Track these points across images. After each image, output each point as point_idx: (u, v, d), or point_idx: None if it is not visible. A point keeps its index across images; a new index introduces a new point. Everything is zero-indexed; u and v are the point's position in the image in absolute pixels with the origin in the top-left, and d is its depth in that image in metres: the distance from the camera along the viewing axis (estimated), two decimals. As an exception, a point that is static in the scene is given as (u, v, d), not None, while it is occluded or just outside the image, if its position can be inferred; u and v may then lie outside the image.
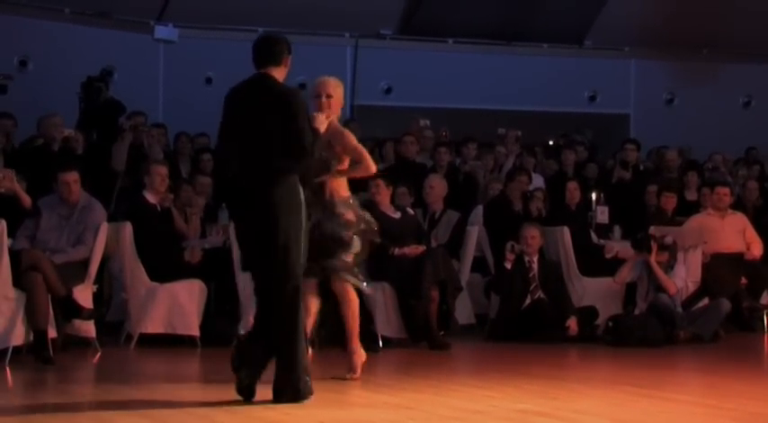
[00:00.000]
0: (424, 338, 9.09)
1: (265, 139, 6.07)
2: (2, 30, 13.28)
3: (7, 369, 7.79)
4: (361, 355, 7.15)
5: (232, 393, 6.27)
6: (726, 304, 9.94)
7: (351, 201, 7.11)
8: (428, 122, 13.43)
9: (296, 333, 6.04)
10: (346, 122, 13.41)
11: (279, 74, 6.28)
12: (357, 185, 11.02)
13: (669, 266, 9.90)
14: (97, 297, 8.84)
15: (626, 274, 9.97)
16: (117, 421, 5.46)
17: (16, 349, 8.09)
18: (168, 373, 6.09)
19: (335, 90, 7.02)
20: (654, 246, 9.84)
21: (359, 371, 7.07)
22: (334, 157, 6.95)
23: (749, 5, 15.85)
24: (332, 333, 9.14)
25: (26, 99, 12.01)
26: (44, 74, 13.27)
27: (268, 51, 6.30)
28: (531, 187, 11.14)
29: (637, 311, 9.84)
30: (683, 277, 10.04)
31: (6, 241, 8.12)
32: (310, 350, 6.76)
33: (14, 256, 8.21)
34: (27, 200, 8.47)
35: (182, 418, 5.64)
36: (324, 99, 6.93)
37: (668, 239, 9.95)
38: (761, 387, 7.15)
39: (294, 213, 6.06)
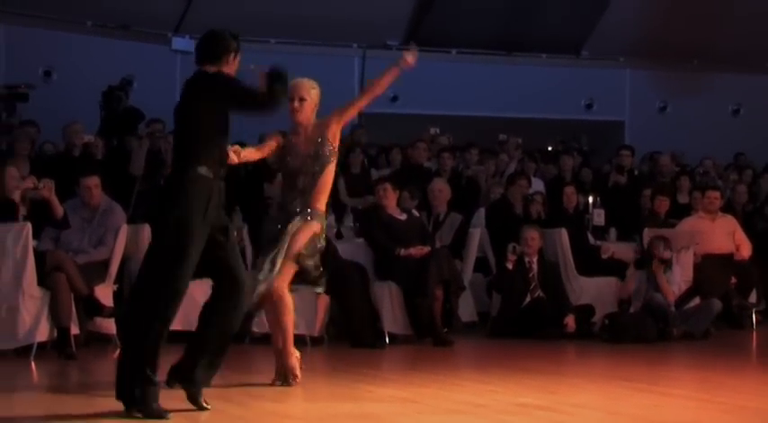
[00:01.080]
0: (429, 335, 9.09)
1: (188, 134, 5.61)
2: (27, 41, 13.32)
3: (32, 364, 7.83)
4: (297, 355, 6.67)
5: (246, 388, 6.29)
6: (717, 304, 9.92)
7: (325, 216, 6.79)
8: (438, 130, 13.47)
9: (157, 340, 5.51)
10: (353, 129, 13.47)
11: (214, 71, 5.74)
12: (364, 189, 11.14)
13: (668, 267, 9.89)
14: (117, 296, 8.85)
15: (630, 286, 9.89)
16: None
17: (41, 345, 8.12)
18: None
19: (309, 92, 6.61)
20: (655, 261, 9.80)
21: (298, 372, 6.61)
22: (332, 152, 6.65)
23: (738, 18, 15.90)
24: (339, 330, 9.18)
25: (50, 107, 12.02)
26: (67, 83, 13.30)
27: (206, 48, 5.81)
28: (530, 191, 11.13)
29: (632, 310, 9.83)
30: (678, 281, 10.01)
31: (32, 243, 8.16)
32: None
33: (39, 256, 8.24)
34: (59, 211, 8.50)
35: (193, 411, 5.64)
36: (296, 103, 6.58)
37: (667, 254, 9.90)
38: (750, 381, 7.15)
39: (187, 214, 5.47)
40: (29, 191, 8.44)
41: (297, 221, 6.52)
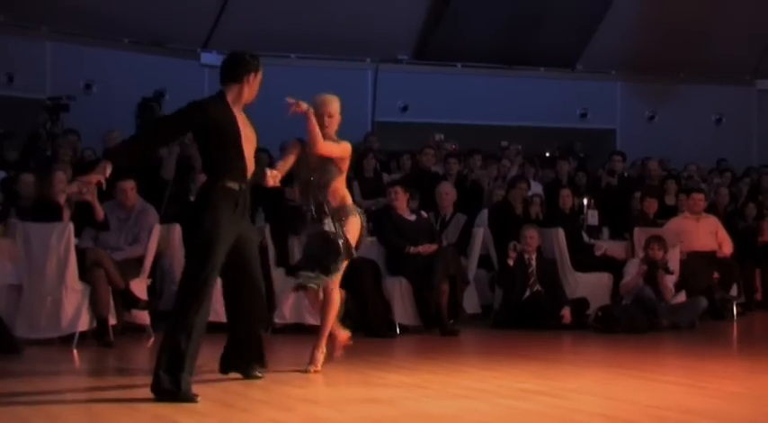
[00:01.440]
0: (436, 326, 9.07)
1: (214, 151, 5.73)
2: (70, 57, 13.43)
3: (74, 351, 7.87)
4: (323, 350, 6.70)
5: (268, 374, 6.28)
6: (704, 302, 9.87)
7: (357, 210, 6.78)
8: (443, 136, 13.47)
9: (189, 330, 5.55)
10: (366, 136, 13.46)
11: (235, 90, 5.79)
12: (377, 192, 11.13)
13: (667, 270, 9.84)
14: (151, 289, 8.86)
15: (631, 284, 9.81)
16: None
17: (82, 334, 8.16)
18: (212, 354, 6.11)
19: (336, 108, 6.61)
20: (660, 272, 9.74)
21: (319, 365, 6.62)
22: (335, 168, 6.62)
23: (720, 36, 15.96)
24: (354, 322, 9.16)
25: (90, 117, 12.06)
26: (106, 95, 13.34)
27: (228, 69, 5.86)
28: (530, 193, 11.11)
29: (624, 302, 9.79)
30: (673, 279, 9.96)
31: (74, 241, 8.18)
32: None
33: (80, 253, 8.28)
34: (101, 213, 8.53)
35: (220, 394, 5.68)
36: (326, 118, 6.55)
37: (671, 265, 9.85)
38: (732, 368, 7.12)
39: (213, 221, 5.61)
40: (73, 194, 8.46)
41: (338, 226, 6.55)
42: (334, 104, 6.62)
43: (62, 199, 8.48)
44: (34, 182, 9.25)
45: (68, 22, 13.43)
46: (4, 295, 8.13)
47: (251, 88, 5.85)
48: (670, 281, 9.82)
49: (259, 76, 5.88)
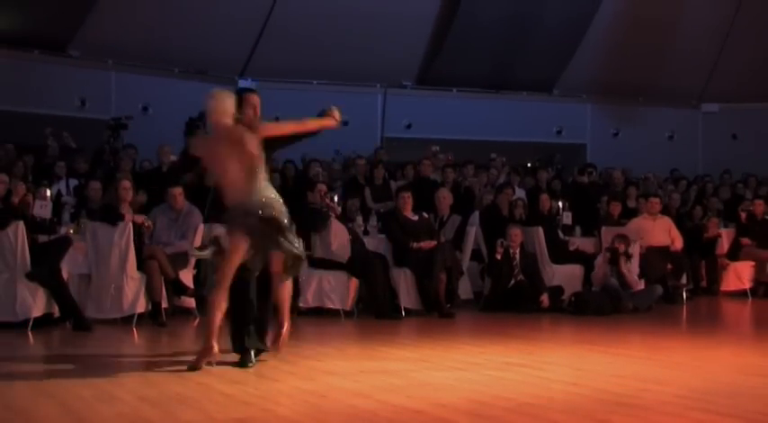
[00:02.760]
0: (435, 310, 9.07)
1: None
2: (130, 84, 13.52)
3: (134, 329, 7.92)
4: (287, 327, 5.78)
5: (295, 350, 6.29)
6: (659, 289, 9.90)
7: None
8: (438, 148, 13.46)
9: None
10: (377, 149, 13.44)
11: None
12: (385, 196, 11.13)
13: (628, 259, 9.82)
14: (196, 278, 8.88)
15: (600, 274, 9.79)
16: (208, 364, 5.51)
17: (139, 315, 8.21)
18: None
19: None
20: (621, 257, 9.74)
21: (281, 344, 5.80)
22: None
23: (672, 67, 15.99)
24: (366, 306, 9.17)
25: (146, 134, 12.09)
26: (160, 115, 13.38)
27: None
28: (514, 198, 11.09)
29: (593, 289, 9.78)
30: (636, 271, 9.95)
31: (132, 238, 8.21)
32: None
33: (138, 248, 8.29)
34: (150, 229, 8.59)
35: (254, 367, 5.66)
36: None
37: (631, 249, 9.85)
38: (681, 343, 7.13)
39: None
40: (136, 217, 8.48)
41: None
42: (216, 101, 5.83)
43: (125, 208, 8.50)
44: (100, 188, 9.29)
45: (129, 57, 13.57)
46: (76, 283, 8.17)
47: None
48: (634, 273, 9.83)
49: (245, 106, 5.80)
